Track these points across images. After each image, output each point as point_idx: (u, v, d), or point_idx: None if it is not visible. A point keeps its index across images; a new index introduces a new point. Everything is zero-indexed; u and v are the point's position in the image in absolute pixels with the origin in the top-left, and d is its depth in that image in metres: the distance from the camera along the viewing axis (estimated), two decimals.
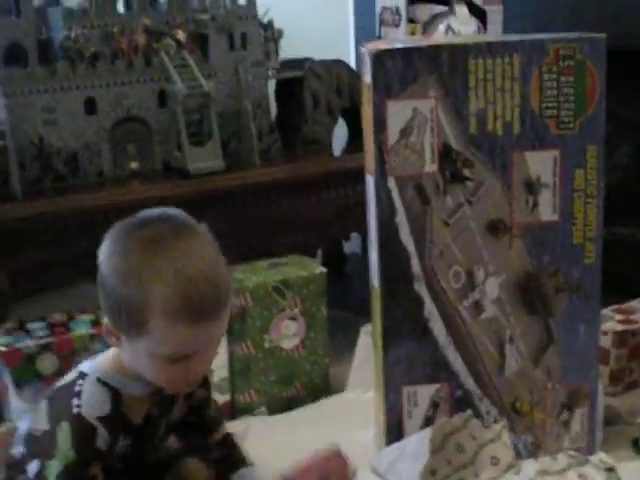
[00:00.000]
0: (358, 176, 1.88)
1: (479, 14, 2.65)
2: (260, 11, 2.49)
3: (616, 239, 2.67)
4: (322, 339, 2.20)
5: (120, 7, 2.46)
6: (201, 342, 1.26)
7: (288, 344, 2.14)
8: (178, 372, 1.27)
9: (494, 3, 2.68)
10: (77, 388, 1.29)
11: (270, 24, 2.57)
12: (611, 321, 2.16)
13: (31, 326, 1.94)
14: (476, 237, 1.72)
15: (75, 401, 1.27)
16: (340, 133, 2.76)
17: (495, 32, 2.65)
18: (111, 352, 1.35)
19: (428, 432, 1.71)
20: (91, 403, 1.28)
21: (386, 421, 1.81)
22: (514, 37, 1.73)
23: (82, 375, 1.31)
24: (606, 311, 2.18)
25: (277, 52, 2.60)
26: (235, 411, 2.10)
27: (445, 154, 1.68)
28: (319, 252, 2.79)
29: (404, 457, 1.74)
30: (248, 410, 2.10)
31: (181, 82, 2.24)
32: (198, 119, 2.32)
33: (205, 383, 1.48)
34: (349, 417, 2.05)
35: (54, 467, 1.24)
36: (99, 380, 1.31)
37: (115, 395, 1.31)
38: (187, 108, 2.27)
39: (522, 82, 1.68)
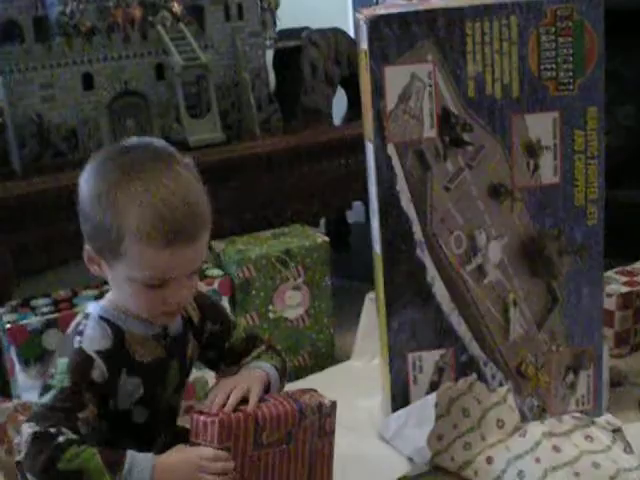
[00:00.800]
0: (359, 145, 1.87)
1: None
2: None
3: (619, 201, 2.66)
4: (326, 308, 2.20)
5: None
6: (176, 267, 1.24)
7: (293, 314, 2.15)
8: (156, 299, 1.26)
9: None
10: (81, 327, 1.29)
11: None
12: (615, 283, 2.16)
13: (36, 303, 1.95)
14: (477, 201, 1.72)
15: (77, 338, 1.27)
16: (340, 102, 2.75)
17: None
18: (111, 292, 1.35)
19: (433, 397, 1.72)
20: (92, 337, 1.28)
21: (392, 388, 1.81)
22: None
23: (86, 315, 1.31)
24: (610, 273, 2.18)
25: (274, 22, 2.58)
26: None
27: (444, 119, 1.67)
28: (322, 222, 2.79)
29: (410, 423, 1.75)
30: None
31: (178, 54, 2.23)
32: (196, 91, 2.32)
33: (216, 317, 1.46)
34: (355, 385, 2.06)
35: (50, 392, 1.24)
36: (101, 317, 1.30)
37: (117, 331, 1.30)
38: (185, 80, 2.26)
39: (520, 44, 1.67)
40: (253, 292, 2.09)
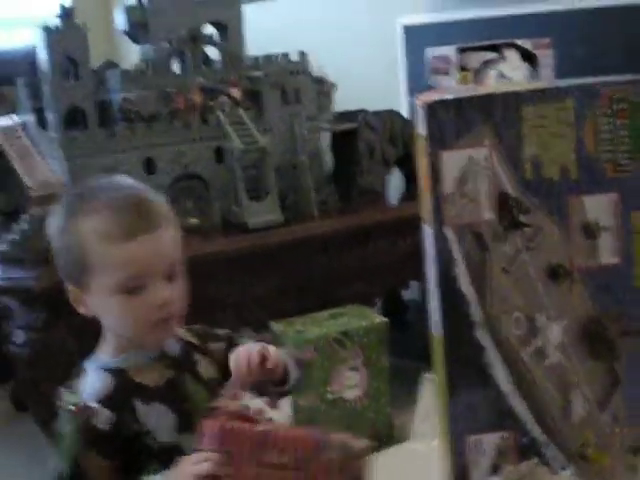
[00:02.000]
0: (414, 224, 1.88)
1: (529, 59, 2.66)
2: (313, 66, 2.52)
3: None
4: (384, 389, 2.20)
5: (175, 67, 2.52)
6: (145, 261, 1.24)
7: (351, 395, 2.15)
8: (140, 307, 1.24)
9: (544, 47, 2.68)
10: (78, 384, 1.30)
11: (323, 78, 2.61)
12: None
13: None
14: (536, 283, 1.71)
15: (78, 395, 1.28)
16: (395, 181, 2.78)
17: (547, 76, 2.65)
18: (102, 341, 1.34)
19: None
20: (91, 389, 1.27)
21: (452, 471, 1.79)
22: (566, 82, 1.73)
23: (83, 371, 1.32)
24: None
25: (330, 105, 2.63)
26: None
27: (502, 201, 1.67)
28: (378, 301, 2.80)
29: None
30: None
31: (237, 138, 2.28)
32: (255, 174, 2.36)
33: (217, 337, 1.42)
34: (414, 467, 2.04)
35: (58, 458, 1.24)
36: (98, 368, 1.30)
37: (118, 374, 1.29)
38: (244, 164, 2.30)
39: (577, 126, 1.67)
40: (311, 373, 2.09)
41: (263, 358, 1.30)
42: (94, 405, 1.25)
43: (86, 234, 1.23)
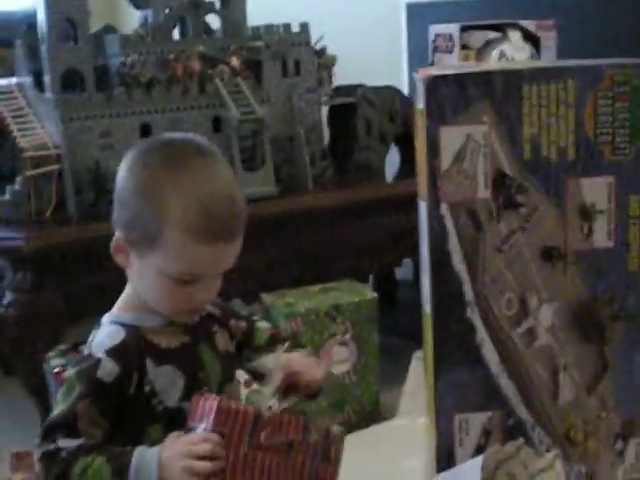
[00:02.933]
0: (410, 202, 1.87)
1: (533, 40, 2.64)
2: (313, 38, 2.50)
3: None
4: (373, 365, 2.20)
5: (176, 34, 2.50)
6: (211, 265, 1.23)
7: (339, 369, 2.14)
8: (182, 296, 1.24)
9: (547, 29, 2.67)
10: (92, 337, 1.28)
11: (323, 51, 2.59)
12: None
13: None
14: (530, 264, 1.70)
15: (87, 347, 1.26)
16: (392, 159, 2.77)
17: (549, 58, 2.64)
18: (123, 296, 1.33)
19: (480, 460, 1.69)
20: (100, 341, 1.26)
21: (437, 449, 1.79)
22: (568, 62, 1.71)
23: (98, 326, 1.30)
24: None
25: (330, 78, 2.61)
26: None
27: (498, 180, 1.66)
28: (370, 278, 2.79)
29: None
30: None
31: (235, 108, 2.27)
32: (251, 145, 2.34)
33: (239, 315, 1.43)
34: (399, 444, 2.04)
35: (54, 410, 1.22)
36: (112, 322, 1.28)
37: (130, 328, 1.27)
38: (241, 134, 2.29)
39: (577, 108, 1.66)
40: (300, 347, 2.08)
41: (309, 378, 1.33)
42: (101, 355, 1.23)
43: (171, 215, 1.20)
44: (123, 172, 1.27)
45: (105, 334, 1.27)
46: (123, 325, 1.28)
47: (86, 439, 1.19)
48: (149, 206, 1.22)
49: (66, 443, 1.18)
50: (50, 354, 2.00)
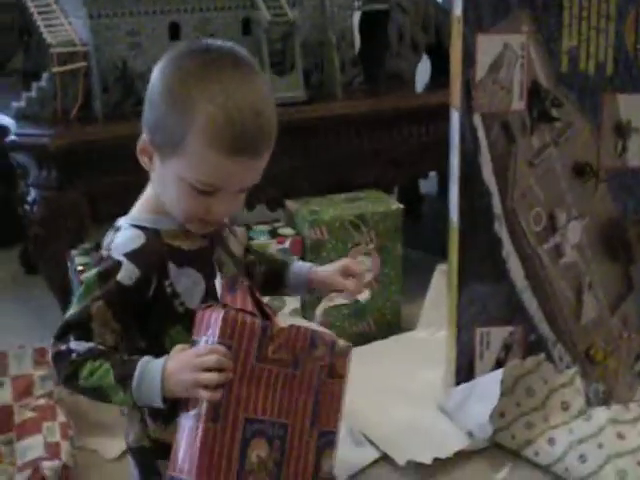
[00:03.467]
0: (440, 114, 1.84)
1: None
2: None
3: None
4: (396, 276, 2.19)
5: None
6: (233, 179, 1.21)
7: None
8: (200, 205, 1.21)
9: None
10: (110, 239, 1.25)
11: None
12: None
13: None
14: (560, 179, 1.68)
15: (105, 249, 1.24)
16: (423, 70, 2.72)
17: None
18: (142, 198, 1.33)
19: (499, 374, 1.70)
20: (121, 243, 1.23)
21: (457, 361, 1.79)
22: None
23: (117, 228, 1.29)
24: None
25: None
26: None
27: (534, 92, 1.63)
28: (395, 190, 2.77)
29: (473, 397, 1.73)
30: None
31: (266, 10, 2.22)
32: (281, 48, 2.30)
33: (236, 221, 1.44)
34: (419, 355, 2.04)
35: (69, 309, 1.21)
36: (132, 225, 1.25)
37: (151, 231, 1.24)
38: (271, 37, 2.24)
39: (617, 21, 1.62)
40: (324, 254, 2.08)
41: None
42: (121, 258, 1.22)
43: (196, 120, 1.16)
44: (156, 73, 1.24)
45: (126, 237, 1.24)
46: (143, 228, 1.26)
47: (97, 342, 1.19)
48: (175, 110, 1.19)
49: (77, 345, 1.18)
50: (74, 252, 2.00)
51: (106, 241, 1.27)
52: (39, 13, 2.31)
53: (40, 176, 2.07)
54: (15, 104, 2.20)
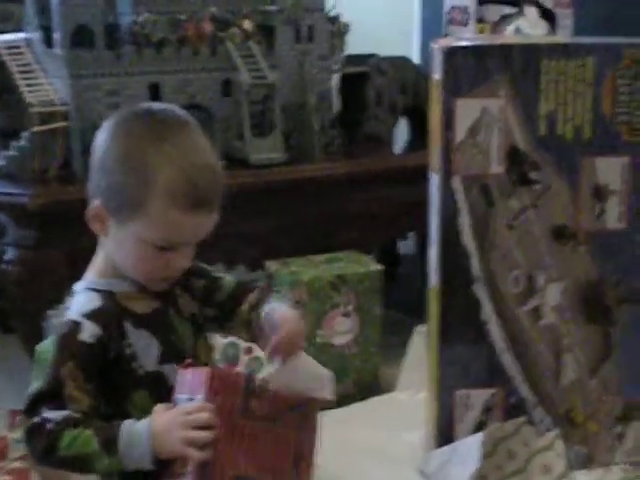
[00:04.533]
0: (418, 175, 1.86)
1: (548, 17, 2.61)
2: (327, 5, 2.47)
3: None
4: (375, 337, 2.19)
5: None
6: (192, 233, 1.25)
7: (340, 340, 2.13)
8: (160, 263, 1.25)
9: (564, 6, 2.64)
10: (67, 305, 1.27)
11: (337, 18, 2.56)
12: None
13: None
14: (539, 242, 1.69)
15: (64, 313, 1.25)
16: (401, 131, 2.75)
17: (565, 36, 2.61)
18: (95, 262, 1.33)
19: (480, 437, 1.69)
20: (77, 305, 1.26)
21: (437, 423, 1.78)
22: (588, 40, 1.70)
23: (72, 293, 1.30)
24: None
25: (342, 47, 2.58)
26: None
27: (512, 156, 1.65)
28: (374, 250, 2.77)
29: (454, 460, 1.72)
30: None
31: (246, 72, 2.24)
32: (261, 110, 2.32)
33: (201, 272, 1.41)
34: (398, 417, 2.03)
35: (35, 379, 1.20)
36: (87, 289, 1.28)
37: (106, 294, 1.27)
38: (251, 98, 2.26)
39: (595, 86, 1.64)
40: (303, 316, 2.07)
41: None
42: (80, 319, 1.23)
43: (156, 183, 1.20)
44: (104, 140, 1.27)
45: (82, 300, 1.27)
46: (97, 291, 1.28)
47: (73, 409, 1.18)
48: (133, 174, 1.22)
49: (52, 414, 1.17)
50: (51, 312, 1.99)
51: (63, 308, 1.28)
52: (20, 72, 2.32)
53: (18, 235, 2.06)
54: None
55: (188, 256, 1.29)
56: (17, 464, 1.80)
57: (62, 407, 1.18)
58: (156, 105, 1.34)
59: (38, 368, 1.22)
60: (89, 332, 1.22)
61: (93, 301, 1.26)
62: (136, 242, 1.24)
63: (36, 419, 1.17)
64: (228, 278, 1.45)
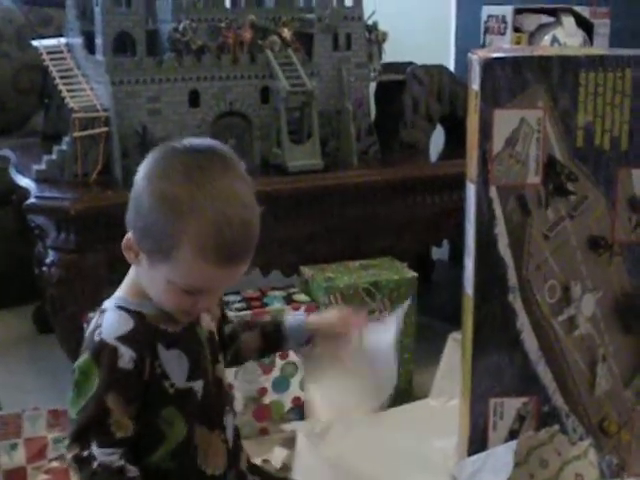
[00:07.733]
0: (454, 183, 1.87)
1: (585, 27, 2.61)
2: (366, 13, 2.49)
3: None
4: (409, 344, 2.20)
5: (227, 2, 2.50)
6: (220, 282, 1.27)
7: None
8: (187, 302, 1.27)
9: (602, 17, 2.63)
10: (98, 322, 1.28)
11: (375, 26, 2.57)
12: None
13: None
14: (575, 252, 1.70)
15: (97, 331, 1.26)
16: (437, 139, 2.75)
17: (601, 46, 2.61)
18: (126, 281, 1.34)
19: (513, 445, 1.70)
20: (110, 326, 1.26)
21: (470, 431, 1.79)
22: (626, 51, 1.70)
23: (102, 310, 1.31)
24: None
25: (380, 54, 2.60)
26: None
27: (550, 166, 1.66)
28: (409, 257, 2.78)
29: (486, 468, 1.73)
30: None
31: (285, 79, 2.26)
32: (299, 117, 2.34)
33: (221, 304, 1.49)
34: (431, 424, 2.04)
35: (77, 403, 1.24)
36: (118, 307, 1.29)
37: (137, 315, 1.29)
38: (289, 105, 2.28)
39: (633, 97, 1.65)
40: None
41: None
42: (115, 343, 1.25)
43: (187, 234, 1.20)
44: (142, 178, 1.25)
45: (114, 320, 1.28)
46: (128, 311, 1.29)
47: (119, 437, 1.22)
48: (165, 220, 1.21)
49: (101, 454, 1.21)
50: (90, 315, 2.01)
51: (93, 323, 1.30)
52: (61, 77, 2.36)
53: (59, 239, 2.09)
54: (35, 167, 2.23)
55: (216, 299, 1.33)
56: (56, 464, 1.82)
57: (109, 434, 1.22)
58: (200, 143, 1.29)
59: (81, 392, 1.25)
60: (127, 358, 1.24)
61: (126, 323, 1.27)
62: (165, 283, 1.25)
63: (85, 452, 1.21)
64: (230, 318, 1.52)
